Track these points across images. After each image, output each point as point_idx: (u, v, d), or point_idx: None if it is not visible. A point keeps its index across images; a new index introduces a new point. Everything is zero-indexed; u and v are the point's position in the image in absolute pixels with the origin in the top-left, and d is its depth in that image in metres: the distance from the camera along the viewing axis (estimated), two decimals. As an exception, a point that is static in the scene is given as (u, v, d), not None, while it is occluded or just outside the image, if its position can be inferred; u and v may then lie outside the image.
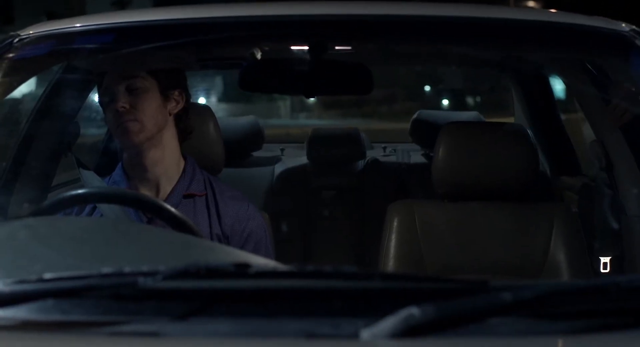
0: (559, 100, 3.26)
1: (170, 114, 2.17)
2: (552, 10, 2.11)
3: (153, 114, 2.13)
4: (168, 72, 2.15)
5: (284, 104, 21.67)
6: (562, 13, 2.01)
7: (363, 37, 1.90)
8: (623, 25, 1.95)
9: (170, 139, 2.18)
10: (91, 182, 2.11)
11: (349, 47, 2.11)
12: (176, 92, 2.17)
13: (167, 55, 2.06)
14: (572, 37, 1.93)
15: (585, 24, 1.94)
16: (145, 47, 1.90)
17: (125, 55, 1.96)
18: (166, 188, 2.16)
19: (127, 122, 2.10)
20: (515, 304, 0.99)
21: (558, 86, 3.28)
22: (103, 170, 2.30)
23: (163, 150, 2.16)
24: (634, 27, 1.95)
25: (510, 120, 3.77)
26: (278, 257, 2.34)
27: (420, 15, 1.91)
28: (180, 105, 2.19)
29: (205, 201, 2.17)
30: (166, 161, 2.17)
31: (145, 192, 2.11)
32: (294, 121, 20.40)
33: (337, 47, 2.03)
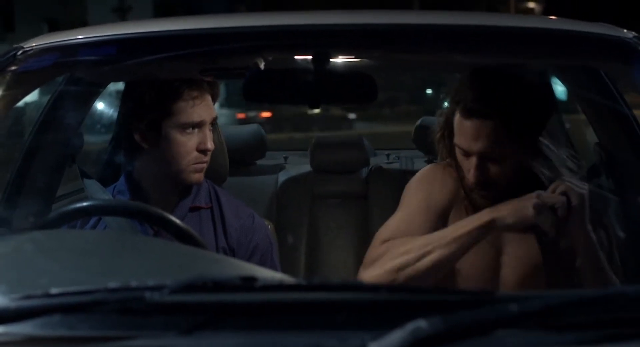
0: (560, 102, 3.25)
1: None
2: (554, 17, 2.11)
3: None
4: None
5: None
6: (565, 20, 2.01)
7: (367, 46, 1.90)
8: (625, 31, 1.95)
9: None
10: (95, 192, 2.11)
11: (353, 57, 2.12)
12: None
13: (170, 67, 2.06)
14: (575, 44, 1.93)
15: (588, 30, 1.94)
16: (149, 59, 1.91)
17: (135, 67, 1.96)
18: (172, 201, 2.16)
19: (204, 164, 2.13)
20: (523, 315, 0.99)
21: (559, 88, 3.27)
22: (107, 181, 2.30)
23: None
24: (634, 33, 1.95)
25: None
26: (282, 266, 2.34)
27: (422, 24, 1.91)
28: None
29: (211, 214, 2.17)
30: None
31: (151, 204, 2.11)
32: (297, 126, 20.41)
33: (340, 57, 2.03)
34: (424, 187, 2.06)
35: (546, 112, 1.94)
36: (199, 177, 2.13)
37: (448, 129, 2.00)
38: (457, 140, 1.92)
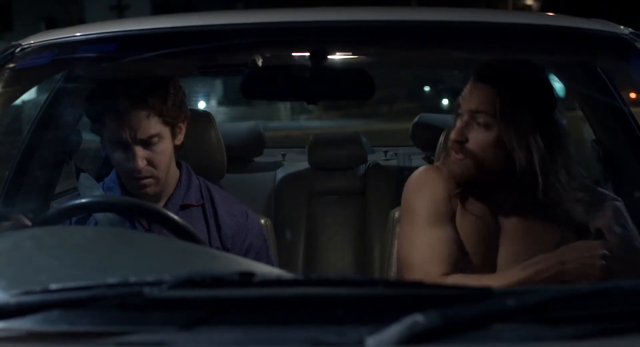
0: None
1: (176, 147, 2.07)
2: (551, 14, 2.11)
3: (167, 163, 2.04)
4: (175, 108, 2.02)
5: (285, 106, 21.71)
6: (562, 16, 2.02)
7: (364, 43, 1.91)
8: (622, 27, 1.96)
9: (172, 166, 2.09)
10: (86, 188, 2.08)
11: (350, 53, 2.12)
12: (182, 123, 2.07)
13: (168, 64, 2.06)
14: (572, 41, 1.93)
15: (585, 27, 1.95)
16: (147, 56, 1.91)
17: (126, 67, 1.96)
18: (161, 199, 2.10)
19: (143, 180, 2.01)
20: (519, 309, 1.00)
21: (557, 85, 3.28)
22: (104, 178, 2.29)
23: (165, 180, 2.07)
24: (631, 29, 1.95)
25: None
26: (281, 263, 2.34)
27: (420, 21, 1.92)
28: (183, 130, 2.08)
29: (203, 211, 2.12)
30: (165, 183, 2.08)
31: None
32: (295, 123, 20.41)
33: (338, 53, 2.03)
34: (423, 193, 2.00)
35: (545, 110, 1.93)
36: (142, 192, 2.02)
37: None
38: (461, 101, 1.91)
